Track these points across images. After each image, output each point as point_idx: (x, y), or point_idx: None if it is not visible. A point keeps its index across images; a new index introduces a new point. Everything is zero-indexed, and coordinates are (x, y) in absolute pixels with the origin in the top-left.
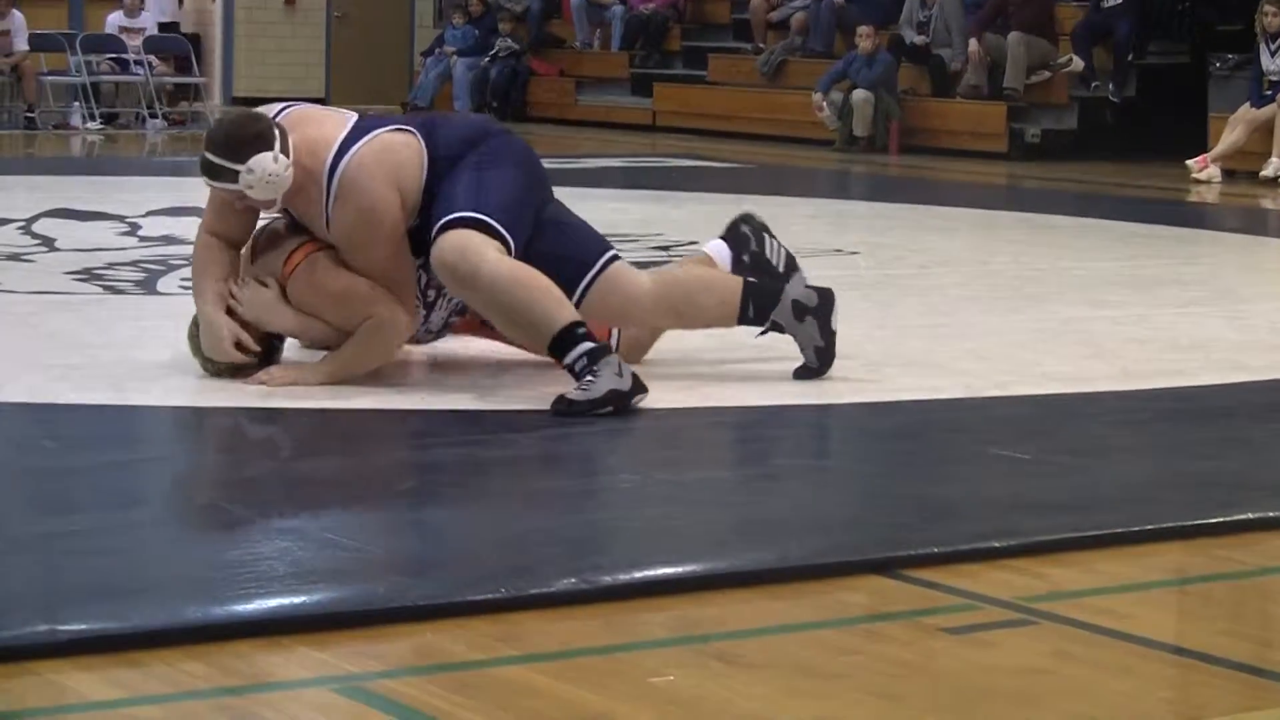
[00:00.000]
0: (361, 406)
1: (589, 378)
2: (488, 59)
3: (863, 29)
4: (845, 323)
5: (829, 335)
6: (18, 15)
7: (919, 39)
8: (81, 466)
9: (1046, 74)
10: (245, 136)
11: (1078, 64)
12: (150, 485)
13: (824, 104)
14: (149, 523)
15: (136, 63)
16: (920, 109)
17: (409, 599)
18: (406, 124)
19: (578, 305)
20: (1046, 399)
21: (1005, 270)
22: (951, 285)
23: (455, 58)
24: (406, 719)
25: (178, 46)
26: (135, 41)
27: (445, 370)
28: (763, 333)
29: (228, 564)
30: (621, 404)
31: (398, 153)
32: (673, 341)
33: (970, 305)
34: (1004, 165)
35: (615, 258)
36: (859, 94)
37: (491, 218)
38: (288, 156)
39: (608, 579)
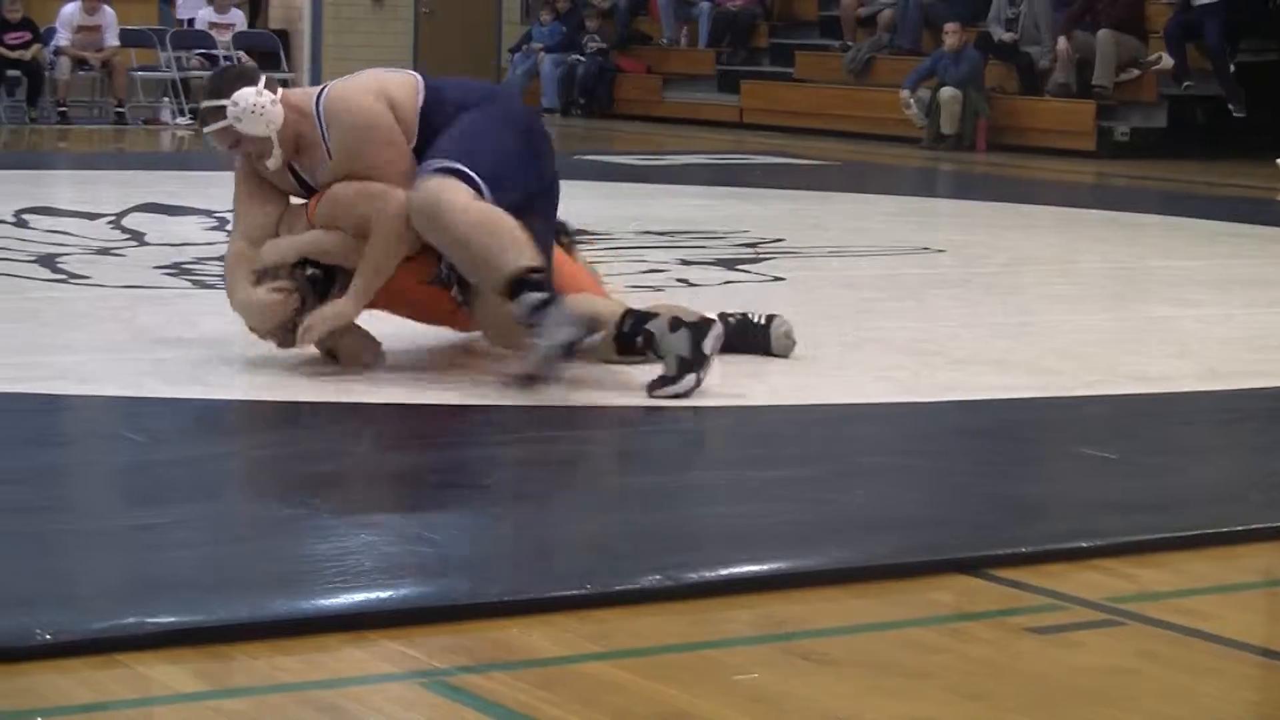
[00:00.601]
0: (445, 401)
1: (539, 331)
2: (575, 55)
3: (949, 26)
4: (931, 320)
5: (699, 354)
6: (108, 11)
7: (1007, 36)
8: (169, 460)
9: (1136, 72)
10: (230, 77)
11: (1167, 62)
12: (236, 479)
13: (911, 101)
14: (235, 516)
15: (226, 58)
16: (1008, 106)
17: (494, 594)
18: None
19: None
20: (1133, 399)
21: (1092, 269)
22: (1038, 284)
23: (542, 54)
24: (492, 714)
25: (266, 42)
26: (225, 37)
27: None
28: (637, 348)
29: (314, 558)
30: (566, 353)
31: (381, 76)
32: None
33: (1057, 304)
34: (1092, 163)
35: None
36: (946, 91)
37: (473, 170)
38: (273, 93)
39: (693, 576)
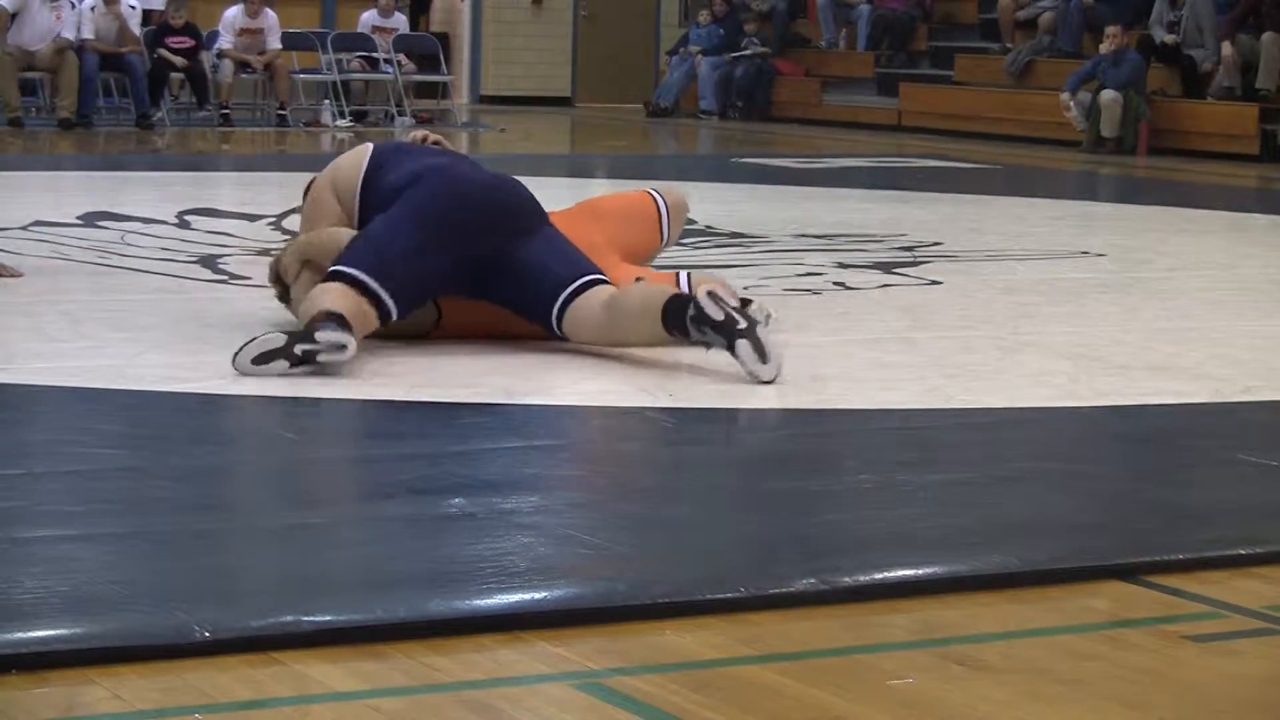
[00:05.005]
0: (599, 403)
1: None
2: (733, 58)
3: (1110, 29)
4: (1091, 325)
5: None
6: (271, 14)
7: (1169, 39)
8: (326, 460)
9: None
10: None
11: None
12: (394, 479)
13: (1072, 104)
14: (392, 517)
15: (386, 61)
16: (1170, 110)
17: (649, 597)
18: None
19: (558, 323)
20: None
21: (1255, 274)
22: (1200, 289)
23: (700, 57)
24: (645, 716)
25: (427, 45)
26: (386, 40)
27: (683, 368)
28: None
29: (470, 559)
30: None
31: (336, 164)
32: (917, 345)
33: (1219, 309)
34: (1255, 167)
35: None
36: (1107, 94)
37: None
38: None
39: (848, 580)
